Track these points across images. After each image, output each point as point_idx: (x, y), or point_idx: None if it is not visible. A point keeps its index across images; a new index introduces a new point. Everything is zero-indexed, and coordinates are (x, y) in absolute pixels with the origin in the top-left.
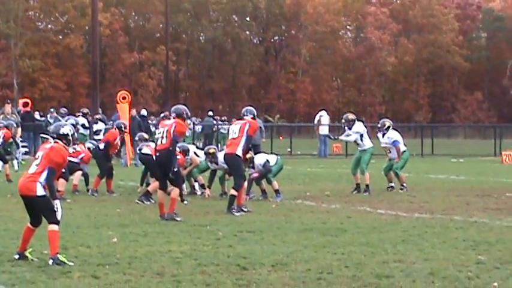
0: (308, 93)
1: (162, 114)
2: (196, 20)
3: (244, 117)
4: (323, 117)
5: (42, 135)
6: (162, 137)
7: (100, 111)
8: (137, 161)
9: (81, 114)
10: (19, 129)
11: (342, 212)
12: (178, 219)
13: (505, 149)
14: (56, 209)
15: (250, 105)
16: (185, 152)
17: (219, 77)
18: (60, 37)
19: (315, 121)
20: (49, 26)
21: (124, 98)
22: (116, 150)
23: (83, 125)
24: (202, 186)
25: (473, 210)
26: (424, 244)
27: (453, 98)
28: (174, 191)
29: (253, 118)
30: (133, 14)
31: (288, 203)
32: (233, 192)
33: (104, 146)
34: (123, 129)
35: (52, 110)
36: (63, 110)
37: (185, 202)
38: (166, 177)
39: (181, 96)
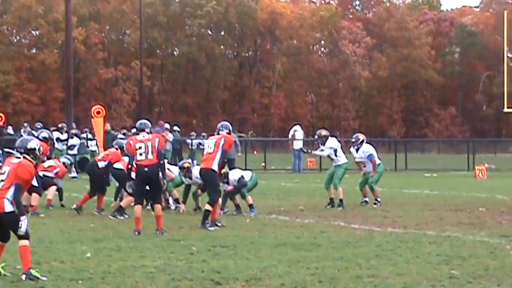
0: (282, 108)
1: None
2: (171, 34)
3: (220, 132)
4: (297, 131)
5: (6, 149)
6: (148, 153)
7: (74, 125)
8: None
9: (55, 128)
10: None
11: (316, 227)
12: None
13: (478, 164)
14: (20, 225)
15: (225, 120)
16: None
17: (193, 92)
18: (34, 51)
19: (289, 136)
20: (23, 40)
21: (98, 112)
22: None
23: (57, 139)
24: (176, 200)
25: (446, 224)
26: (398, 259)
27: (427, 112)
28: (158, 208)
29: (229, 133)
30: (108, 28)
31: (262, 217)
32: (208, 207)
33: (105, 165)
34: (124, 149)
35: (26, 124)
36: (38, 125)
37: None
38: (152, 192)
39: (155, 111)
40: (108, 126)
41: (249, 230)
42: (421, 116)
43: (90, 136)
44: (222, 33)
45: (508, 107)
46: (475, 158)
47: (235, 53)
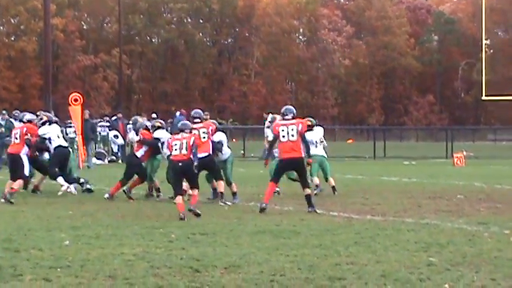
0: (261, 96)
1: (114, 117)
2: (150, 21)
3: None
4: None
5: None
6: (181, 148)
7: (52, 113)
8: (90, 163)
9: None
10: None
11: (295, 214)
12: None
13: (457, 152)
14: None
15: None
16: None
17: (171, 79)
18: (13, 39)
19: (265, 125)
20: (1, 28)
21: (76, 100)
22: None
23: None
24: (158, 189)
25: (424, 212)
26: (376, 246)
27: (405, 100)
28: (196, 191)
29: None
30: (87, 16)
31: (241, 205)
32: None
33: (143, 154)
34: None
35: (4, 112)
36: (16, 112)
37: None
38: (189, 182)
39: (134, 98)
40: (86, 114)
41: (228, 217)
42: (399, 104)
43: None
44: (201, 20)
45: (486, 95)
46: (454, 146)
47: (213, 40)
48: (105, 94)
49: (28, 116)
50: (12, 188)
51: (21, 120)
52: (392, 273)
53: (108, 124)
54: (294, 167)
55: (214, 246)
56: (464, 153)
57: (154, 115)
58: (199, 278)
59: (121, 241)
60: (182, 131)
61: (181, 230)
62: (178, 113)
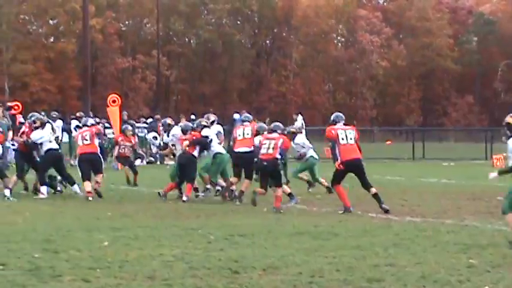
0: (299, 96)
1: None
2: (188, 23)
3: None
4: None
5: None
6: (269, 148)
7: (91, 114)
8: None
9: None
10: (10, 133)
11: (333, 216)
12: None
13: (496, 153)
14: None
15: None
16: None
17: (210, 80)
18: (52, 40)
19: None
20: (40, 30)
21: (114, 101)
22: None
23: (76, 127)
24: (196, 189)
25: (464, 213)
26: (416, 248)
27: (444, 101)
28: (280, 190)
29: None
30: (126, 17)
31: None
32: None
33: (198, 153)
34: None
35: (43, 113)
36: (54, 114)
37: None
38: (273, 180)
39: (173, 99)
40: (125, 116)
41: (266, 218)
42: (438, 105)
43: (107, 125)
44: (240, 21)
45: None
46: (493, 147)
47: (252, 42)
48: (143, 95)
49: (91, 120)
50: (97, 183)
51: (77, 125)
52: (431, 275)
53: (146, 125)
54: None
55: (253, 247)
56: (504, 154)
57: (193, 116)
58: (237, 280)
59: (160, 242)
60: (274, 131)
61: (219, 231)
62: (237, 115)
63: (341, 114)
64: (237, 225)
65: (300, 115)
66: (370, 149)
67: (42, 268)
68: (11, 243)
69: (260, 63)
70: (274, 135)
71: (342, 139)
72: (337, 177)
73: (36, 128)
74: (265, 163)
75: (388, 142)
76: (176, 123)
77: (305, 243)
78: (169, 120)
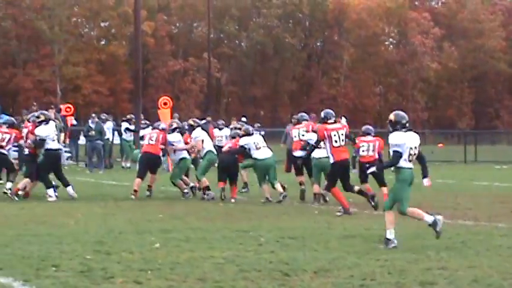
0: (350, 99)
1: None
2: (240, 25)
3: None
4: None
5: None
6: (368, 150)
7: (142, 116)
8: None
9: (125, 119)
10: (62, 135)
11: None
12: None
13: None
14: None
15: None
16: None
17: (261, 83)
18: (103, 43)
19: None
20: (92, 32)
21: (165, 103)
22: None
23: (126, 129)
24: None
25: None
26: (468, 251)
27: (497, 104)
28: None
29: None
30: (177, 20)
31: (331, 209)
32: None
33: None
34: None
35: (93, 115)
36: (103, 115)
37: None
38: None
39: (223, 102)
40: (176, 118)
41: (317, 221)
42: (491, 108)
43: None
44: (291, 24)
45: None
46: None
47: (303, 44)
48: (194, 97)
49: (162, 125)
50: (150, 185)
51: (153, 128)
52: (484, 279)
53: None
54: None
55: (304, 250)
56: None
57: (244, 119)
58: (288, 282)
59: (211, 244)
60: (368, 134)
61: (271, 234)
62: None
63: (331, 111)
64: (288, 228)
65: (344, 117)
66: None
67: (94, 270)
68: (63, 244)
69: (311, 66)
70: (369, 138)
71: (335, 141)
72: (332, 179)
73: (41, 123)
74: (366, 165)
75: (440, 145)
76: (227, 126)
77: (356, 246)
78: (191, 121)
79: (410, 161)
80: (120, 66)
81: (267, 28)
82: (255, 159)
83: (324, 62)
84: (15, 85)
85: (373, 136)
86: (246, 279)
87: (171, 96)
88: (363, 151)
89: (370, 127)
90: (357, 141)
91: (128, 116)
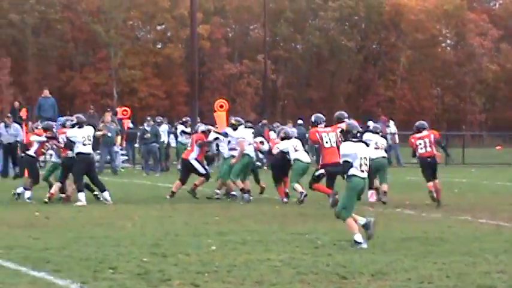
0: (407, 101)
1: (260, 123)
2: (295, 28)
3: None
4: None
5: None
6: (426, 146)
7: (198, 119)
8: None
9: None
10: (118, 138)
11: (442, 222)
12: None
13: None
14: None
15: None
16: None
17: (317, 85)
18: (159, 46)
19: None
20: (148, 35)
21: (221, 106)
22: None
23: (182, 132)
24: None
25: None
26: None
27: None
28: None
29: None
30: (233, 23)
31: (388, 212)
32: None
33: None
34: None
35: (149, 118)
36: (158, 119)
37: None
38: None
39: (279, 104)
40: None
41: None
42: None
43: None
44: (347, 26)
45: None
46: None
47: (359, 46)
48: (250, 100)
49: (202, 127)
50: (195, 185)
51: (194, 131)
52: None
53: (252, 130)
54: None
55: (361, 252)
56: None
57: (300, 121)
58: (346, 285)
59: (267, 247)
60: (423, 129)
61: (327, 236)
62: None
63: (321, 115)
64: (345, 231)
65: (391, 120)
66: (479, 154)
67: (152, 272)
68: (121, 247)
69: (367, 68)
70: (424, 133)
71: (326, 142)
72: (317, 180)
73: (74, 125)
74: (429, 159)
75: (498, 147)
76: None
77: (414, 249)
78: (233, 121)
79: (362, 170)
80: (176, 69)
81: (322, 30)
82: (296, 159)
83: (381, 64)
84: (73, 88)
85: (428, 130)
86: (302, 282)
87: (227, 99)
88: (421, 148)
89: (424, 122)
90: (412, 140)
91: (184, 119)
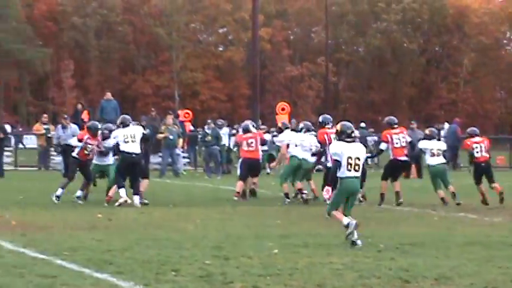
0: (470, 104)
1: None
2: (357, 31)
3: None
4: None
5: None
6: (482, 151)
7: (260, 122)
8: None
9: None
10: (180, 140)
11: (506, 226)
12: None
13: None
14: None
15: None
16: None
17: (378, 88)
18: (221, 49)
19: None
20: (210, 38)
21: (283, 109)
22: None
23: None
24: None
25: None
26: None
27: None
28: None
29: None
30: (294, 26)
31: (451, 216)
32: None
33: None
34: None
35: (209, 121)
36: (219, 121)
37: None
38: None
39: (341, 107)
40: (294, 124)
41: (437, 228)
42: None
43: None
44: (409, 29)
45: None
46: None
47: (421, 49)
48: (311, 103)
49: (252, 128)
50: (254, 183)
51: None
52: None
53: (314, 133)
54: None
55: (424, 256)
56: None
57: (363, 124)
58: None
59: (329, 250)
60: (476, 135)
61: (389, 240)
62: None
63: (329, 116)
64: (408, 235)
65: (446, 123)
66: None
67: (214, 275)
68: (183, 249)
69: (430, 71)
70: (478, 138)
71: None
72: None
73: (118, 126)
74: (483, 164)
75: None
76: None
77: (477, 253)
78: (280, 124)
79: (349, 170)
80: (237, 72)
81: (385, 33)
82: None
83: (444, 67)
84: (135, 91)
85: (482, 136)
86: (365, 285)
87: (288, 102)
88: (477, 152)
89: (475, 128)
90: (468, 142)
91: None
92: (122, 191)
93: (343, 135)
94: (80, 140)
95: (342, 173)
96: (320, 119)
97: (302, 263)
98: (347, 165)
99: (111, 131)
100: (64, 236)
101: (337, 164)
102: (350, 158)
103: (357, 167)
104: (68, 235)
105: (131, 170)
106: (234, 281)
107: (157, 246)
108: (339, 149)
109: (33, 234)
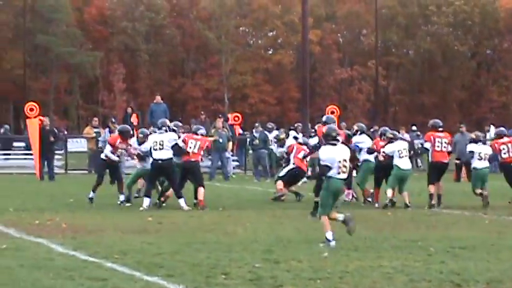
0: None
1: (371, 129)
2: (407, 34)
3: None
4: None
5: None
6: (509, 151)
7: (309, 125)
8: None
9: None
10: (230, 144)
11: None
12: None
13: None
14: None
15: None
16: None
17: (429, 91)
18: (270, 52)
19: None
20: (259, 41)
21: (332, 112)
22: None
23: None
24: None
25: None
26: None
27: None
28: None
29: None
30: (344, 28)
31: (502, 219)
32: None
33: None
34: None
35: (257, 124)
36: (269, 125)
37: None
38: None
39: (391, 111)
40: (343, 127)
41: (488, 231)
42: None
43: None
44: (460, 32)
45: None
46: None
47: (472, 52)
48: (361, 107)
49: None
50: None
51: (295, 136)
52: None
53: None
54: None
55: (475, 260)
56: None
57: (414, 127)
58: None
59: (379, 254)
60: (505, 135)
61: (440, 244)
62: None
63: (332, 116)
64: (458, 238)
65: (492, 126)
66: None
67: (264, 278)
68: (232, 253)
69: (480, 74)
70: (505, 139)
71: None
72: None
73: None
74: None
75: None
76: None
77: None
78: (355, 126)
79: (339, 172)
80: (286, 75)
81: (435, 36)
82: (396, 166)
83: (494, 70)
84: (184, 94)
85: (509, 137)
86: None
87: (338, 105)
88: (504, 153)
89: (504, 129)
90: (496, 145)
91: (295, 125)
92: (147, 201)
93: (329, 138)
94: (111, 144)
95: (330, 175)
96: (324, 118)
97: (352, 267)
98: (338, 168)
99: (146, 135)
100: (114, 239)
101: (325, 168)
102: (340, 161)
103: (344, 169)
104: (119, 238)
105: (167, 175)
106: (284, 284)
107: (207, 250)
108: (331, 155)
109: (83, 237)
